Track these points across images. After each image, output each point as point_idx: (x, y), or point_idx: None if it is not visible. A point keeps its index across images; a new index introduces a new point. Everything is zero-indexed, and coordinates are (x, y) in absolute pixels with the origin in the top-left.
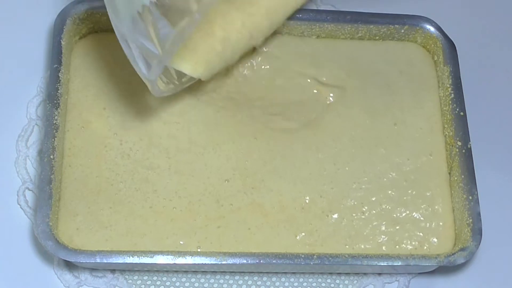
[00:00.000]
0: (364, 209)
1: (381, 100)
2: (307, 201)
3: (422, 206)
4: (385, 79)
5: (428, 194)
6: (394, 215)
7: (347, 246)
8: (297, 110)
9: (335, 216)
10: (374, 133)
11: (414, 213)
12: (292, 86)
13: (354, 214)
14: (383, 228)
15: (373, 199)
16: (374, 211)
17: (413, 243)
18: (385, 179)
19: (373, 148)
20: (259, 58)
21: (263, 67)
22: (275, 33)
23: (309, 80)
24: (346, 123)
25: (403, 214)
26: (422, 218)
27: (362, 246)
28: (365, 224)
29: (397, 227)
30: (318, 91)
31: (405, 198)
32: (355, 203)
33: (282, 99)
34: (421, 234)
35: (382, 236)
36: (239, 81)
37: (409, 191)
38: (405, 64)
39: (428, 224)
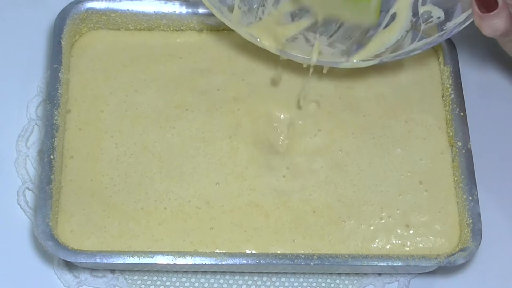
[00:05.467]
0: (383, 214)
1: (391, 96)
2: (321, 205)
3: (435, 209)
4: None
5: (440, 195)
6: (409, 219)
7: (356, 249)
8: None
9: (352, 222)
10: (389, 132)
11: (427, 216)
12: None
13: (372, 220)
14: (398, 232)
15: (392, 203)
16: (390, 216)
17: (426, 246)
18: (402, 181)
19: (390, 147)
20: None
21: None
22: None
23: None
24: (362, 119)
25: (417, 218)
26: (435, 221)
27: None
28: (380, 229)
29: (411, 231)
30: None
31: (420, 200)
32: (375, 207)
33: None
34: (432, 237)
35: (394, 241)
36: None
37: (424, 193)
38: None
39: (439, 226)
